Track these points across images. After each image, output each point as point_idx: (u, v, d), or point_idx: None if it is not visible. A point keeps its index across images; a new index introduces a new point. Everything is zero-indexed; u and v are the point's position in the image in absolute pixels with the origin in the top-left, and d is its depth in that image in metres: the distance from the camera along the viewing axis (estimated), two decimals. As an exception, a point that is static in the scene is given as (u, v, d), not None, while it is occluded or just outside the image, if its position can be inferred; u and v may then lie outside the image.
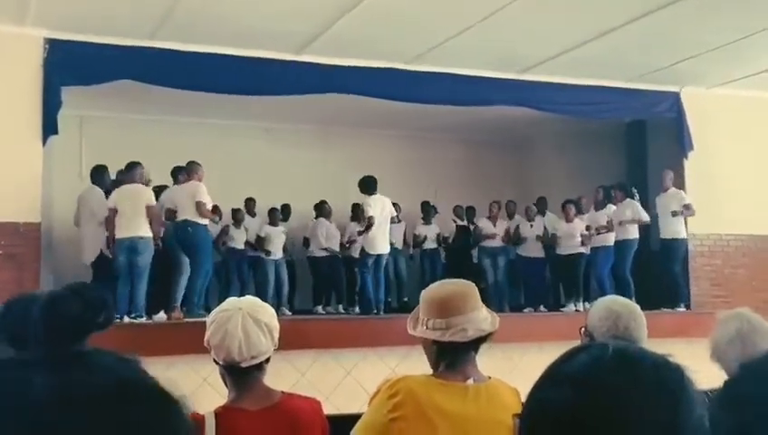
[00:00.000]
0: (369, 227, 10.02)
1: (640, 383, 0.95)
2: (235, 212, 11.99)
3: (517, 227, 12.04)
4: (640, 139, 12.51)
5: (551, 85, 10.54)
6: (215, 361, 2.58)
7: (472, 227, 12.62)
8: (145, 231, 8.62)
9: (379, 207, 10.07)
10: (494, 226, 12.04)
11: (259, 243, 11.90)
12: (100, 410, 0.81)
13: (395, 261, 12.07)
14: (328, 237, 11.98)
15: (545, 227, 11.79)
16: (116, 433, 0.81)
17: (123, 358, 0.90)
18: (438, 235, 12.56)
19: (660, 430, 0.91)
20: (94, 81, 8.95)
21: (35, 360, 0.85)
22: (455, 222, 12.94)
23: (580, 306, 10.47)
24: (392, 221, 11.77)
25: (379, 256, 10.15)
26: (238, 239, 11.95)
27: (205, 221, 9.13)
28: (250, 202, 12.38)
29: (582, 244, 11.02)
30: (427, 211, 12.73)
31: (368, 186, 10.15)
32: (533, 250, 11.80)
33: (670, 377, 0.97)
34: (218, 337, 2.49)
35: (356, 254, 11.51)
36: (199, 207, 8.94)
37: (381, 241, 10.13)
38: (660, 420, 0.92)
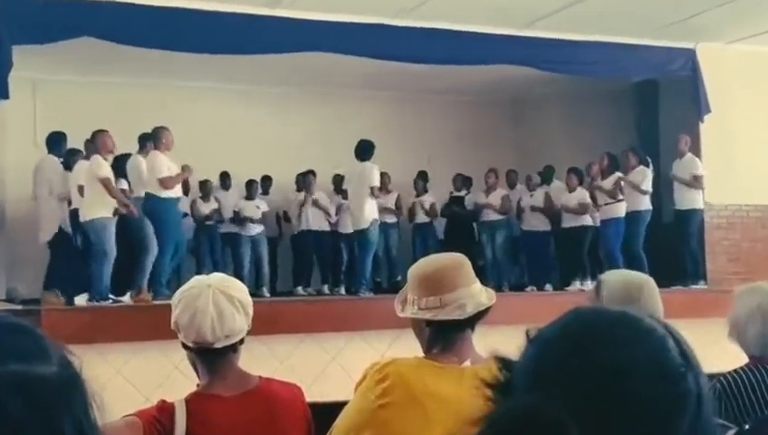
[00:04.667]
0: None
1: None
2: (202, 184, 11.96)
3: (519, 200, 12.04)
4: (652, 100, 12.52)
5: (554, 42, 10.51)
6: (183, 344, 2.56)
7: (466, 196, 12.65)
8: (97, 211, 8.57)
9: (353, 179, 10.09)
10: (487, 196, 12.03)
11: (236, 219, 11.91)
12: None
13: (385, 236, 12.04)
14: (313, 212, 11.97)
15: (548, 197, 11.77)
16: None
17: None
18: (433, 205, 12.57)
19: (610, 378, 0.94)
20: (49, 39, 8.87)
21: None
22: (452, 193, 12.93)
23: (587, 285, 10.47)
24: (387, 191, 11.75)
25: (357, 232, 10.22)
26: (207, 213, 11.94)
27: (169, 194, 9.06)
28: (224, 177, 12.40)
29: (580, 213, 11.03)
30: (417, 182, 12.74)
31: (356, 151, 10.13)
32: (537, 223, 11.80)
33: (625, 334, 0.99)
34: (187, 316, 2.46)
35: (345, 229, 11.55)
36: (162, 183, 8.93)
37: (356, 215, 10.18)
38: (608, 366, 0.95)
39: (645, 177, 10.65)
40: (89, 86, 12.09)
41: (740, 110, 11.15)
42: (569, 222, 11.25)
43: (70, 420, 0.84)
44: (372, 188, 9.99)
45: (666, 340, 0.99)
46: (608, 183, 10.83)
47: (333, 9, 9.44)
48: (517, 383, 0.99)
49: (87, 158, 9.00)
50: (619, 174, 10.76)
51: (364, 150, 10.10)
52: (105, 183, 8.56)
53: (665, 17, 10.18)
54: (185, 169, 9.41)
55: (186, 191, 11.17)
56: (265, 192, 12.50)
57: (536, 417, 0.93)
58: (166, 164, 8.97)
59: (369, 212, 10.06)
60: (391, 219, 12.20)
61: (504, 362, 1.01)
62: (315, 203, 11.85)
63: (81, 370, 0.92)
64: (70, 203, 9.20)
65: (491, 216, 11.95)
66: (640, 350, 0.97)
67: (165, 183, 8.95)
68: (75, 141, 9.62)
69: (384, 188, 11.94)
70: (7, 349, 0.86)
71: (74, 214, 9.10)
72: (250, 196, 12.10)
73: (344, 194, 11.53)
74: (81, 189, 8.84)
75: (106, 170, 8.64)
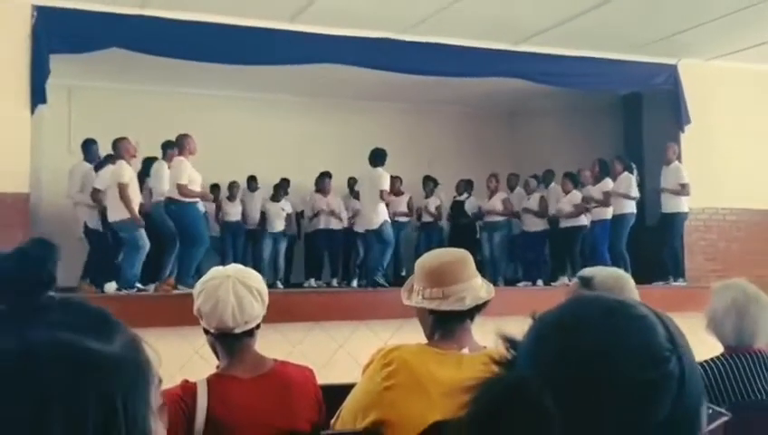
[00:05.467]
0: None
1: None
2: (230, 186, 12.02)
3: (507, 199, 12.05)
4: (636, 111, 12.49)
5: (546, 56, 10.50)
6: (205, 330, 2.58)
7: (466, 200, 12.65)
8: (124, 212, 8.56)
9: (365, 182, 10.10)
10: (489, 200, 12.06)
11: (261, 219, 11.98)
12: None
13: (396, 234, 12.04)
14: (326, 215, 12.04)
15: (543, 201, 11.77)
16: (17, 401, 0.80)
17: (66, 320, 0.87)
18: (438, 207, 12.57)
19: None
20: (83, 49, 8.89)
21: None
22: (455, 197, 12.97)
23: (574, 280, 10.38)
24: (397, 194, 11.76)
25: (371, 231, 10.17)
26: (233, 213, 11.99)
27: (191, 199, 9.01)
28: (252, 180, 12.46)
29: (572, 215, 11.04)
30: (426, 184, 12.77)
31: (370, 157, 10.14)
32: (533, 224, 11.80)
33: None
34: (210, 305, 2.49)
35: (358, 228, 11.60)
36: (180, 189, 8.85)
37: (367, 216, 10.15)
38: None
39: (630, 183, 10.62)
40: (121, 93, 12.09)
41: (718, 121, 11.13)
42: (565, 222, 11.26)
43: (102, 400, 0.83)
44: (382, 192, 9.92)
45: (655, 325, 0.98)
46: (598, 192, 10.80)
47: (344, 24, 9.45)
48: (519, 362, 0.99)
49: (113, 162, 9.00)
50: (610, 181, 10.73)
51: (377, 157, 10.05)
52: (121, 188, 8.52)
53: (649, 35, 10.16)
54: (205, 195, 9.48)
55: (214, 198, 11.32)
56: (284, 192, 12.55)
57: (518, 390, 0.93)
58: (187, 172, 8.86)
59: (379, 214, 9.99)
60: (403, 219, 12.23)
61: (510, 342, 1.02)
62: (331, 212, 11.95)
63: (150, 364, 0.90)
64: (99, 203, 9.23)
65: (494, 217, 11.98)
66: (628, 334, 0.97)
67: (182, 190, 8.86)
68: (107, 144, 9.61)
69: (396, 190, 11.98)
70: (70, 326, 0.86)
71: (102, 213, 9.13)
72: (276, 198, 12.14)
73: (357, 195, 11.60)
74: (96, 192, 8.93)
75: (126, 176, 8.60)
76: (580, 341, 0.96)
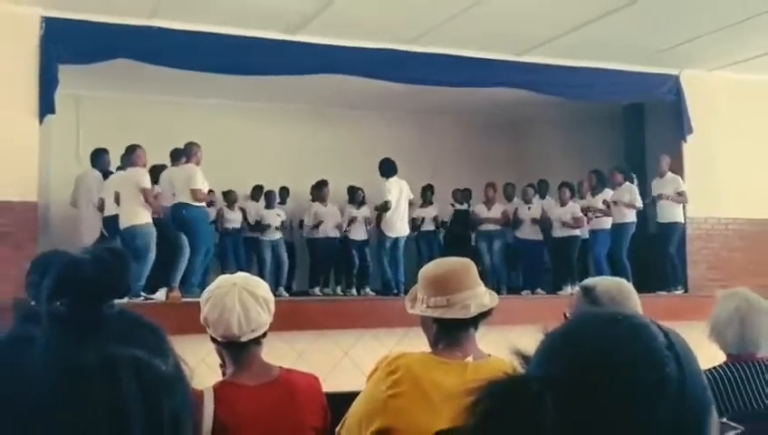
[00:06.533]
0: (385, 210, 10.41)
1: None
2: (227, 194, 12.03)
3: (515, 211, 12.01)
4: (638, 121, 12.50)
5: (549, 67, 10.51)
6: (212, 338, 2.59)
7: (470, 209, 12.66)
8: (140, 218, 8.60)
9: (397, 190, 10.36)
10: (489, 209, 12.02)
11: (256, 227, 11.97)
12: (77, 385, 0.81)
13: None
14: (326, 221, 11.98)
15: (543, 210, 11.77)
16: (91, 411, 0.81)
17: (130, 332, 0.90)
18: (436, 217, 12.55)
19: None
20: (91, 59, 8.92)
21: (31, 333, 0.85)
22: (453, 206, 12.95)
23: (576, 289, 10.37)
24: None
25: (396, 239, 10.51)
26: (233, 221, 12.00)
27: (200, 203, 9.16)
28: (257, 189, 12.45)
29: (575, 227, 11.03)
30: (425, 194, 12.76)
31: (386, 169, 10.42)
32: (531, 233, 11.78)
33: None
34: (216, 313, 2.50)
35: (355, 236, 11.60)
36: (194, 194, 8.98)
37: (399, 223, 10.46)
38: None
39: (632, 193, 10.61)
40: (128, 102, 12.14)
41: (720, 131, 11.13)
42: (559, 232, 11.26)
43: (168, 416, 0.86)
44: (410, 201, 10.66)
45: (655, 333, 1.01)
46: (598, 202, 10.81)
47: (347, 35, 9.47)
48: (530, 374, 1.01)
49: (123, 169, 9.04)
50: (609, 191, 10.74)
51: (393, 168, 10.45)
52: (146, 193, 8.61)
53: (652, 45, 10.16)
54: (210, 193, 9.55)
55: (210, 203, 11.34)
56: (283, 201, 12.56)
57: (517, 390, 0.95)
58: (201, 178, 9.02)
59: (407, 222, 10.68)
60: None
61: (523, 357, 1.04)
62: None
63: (191, 380, 0.94)
64: (102, 211, 9.24)
65: (490, 226, 11.95)
66: (629, 341, 0.99)
67: (196, 195, 9.00)
68: (113, 154, 9.67)
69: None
70: (133, 339, 0.88)
71: (108, 221, 9.13)
72: (269, 205, 12.14)
73: (357, 205, 11.87)
74: (117, 197, 8.88)
75: (147, 181, 8.71)
76: (583, 347, 1.00)
